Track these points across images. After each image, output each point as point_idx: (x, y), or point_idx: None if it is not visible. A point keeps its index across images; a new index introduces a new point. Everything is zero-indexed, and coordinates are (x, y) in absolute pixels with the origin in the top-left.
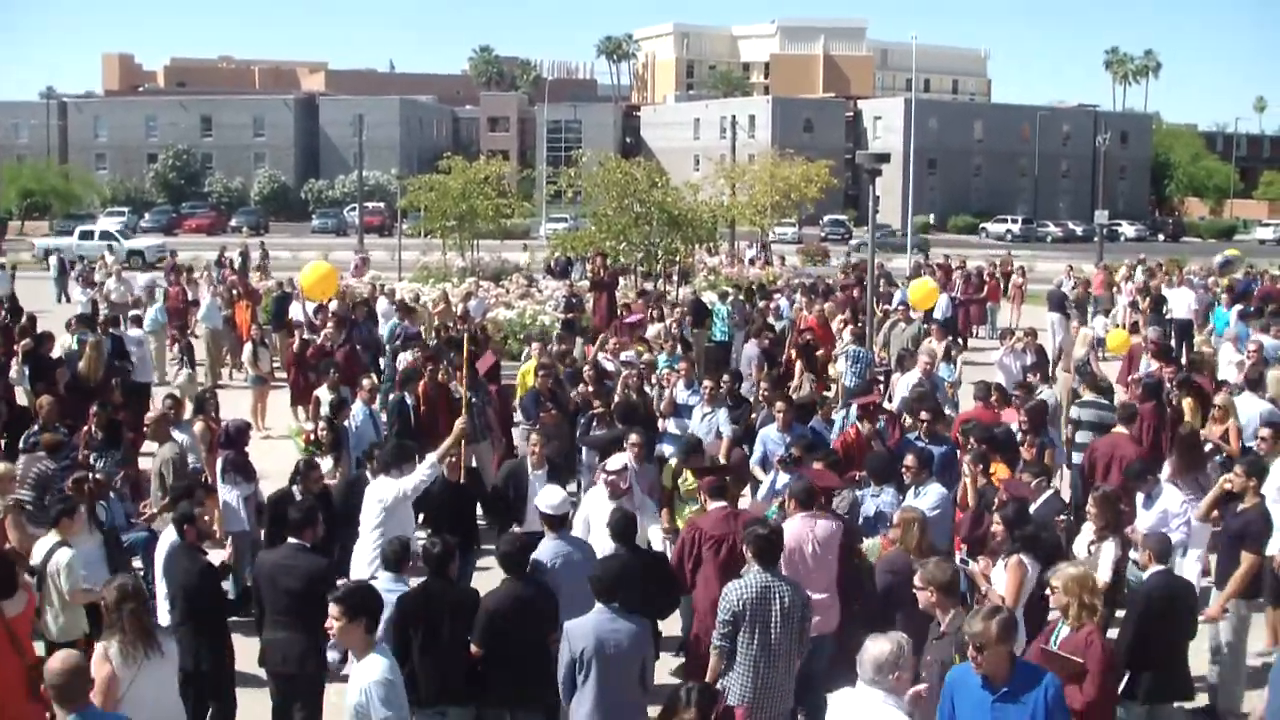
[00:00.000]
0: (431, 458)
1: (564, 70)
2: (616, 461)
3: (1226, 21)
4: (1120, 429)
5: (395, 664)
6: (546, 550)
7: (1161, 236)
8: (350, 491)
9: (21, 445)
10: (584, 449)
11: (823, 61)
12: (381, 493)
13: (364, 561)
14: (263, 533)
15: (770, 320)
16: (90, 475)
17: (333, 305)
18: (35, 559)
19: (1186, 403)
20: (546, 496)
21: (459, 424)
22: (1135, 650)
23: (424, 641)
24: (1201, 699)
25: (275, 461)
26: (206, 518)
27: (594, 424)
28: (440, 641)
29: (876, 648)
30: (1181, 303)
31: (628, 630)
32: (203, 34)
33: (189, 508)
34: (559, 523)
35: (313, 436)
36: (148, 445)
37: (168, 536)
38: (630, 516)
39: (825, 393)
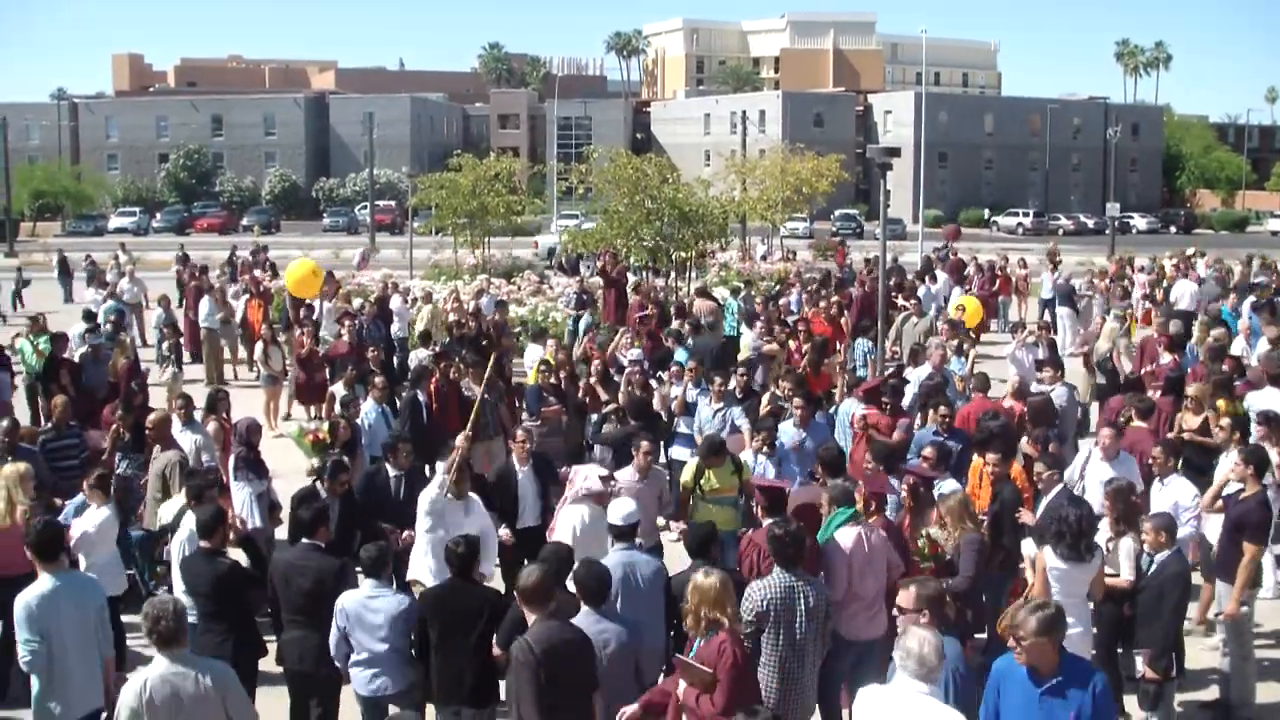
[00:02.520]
0: (440, 473)
1: (574, 67)
2: (592, 477)
3: (1237, 12)
4: (1139, 423)
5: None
6: (612, 561)
7: (1173, 229)
8: (370, 485)
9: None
10: (595, 446)
11: (832, 56)
12: (424, 500)
13: (418, 564)
14: (276, 530)
15: (783, 316)
16: (112, 475)
17: (356, 303)
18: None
19: (1221, 404)
20: (616, 509)
21: (461, 440)
22: (1172, 632)
23: (440, 640)
24: (1213, 691)
25: (287, 460)
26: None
27: (605, 422)
28: (456, 641)
29: (923, 641)
30: (1184, 294)
31: (615, 631)
32: (212, 34)
33: (218, 512)
34: (627, 534)
35: (317, 437)
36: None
37: (179, 536)
38: (707, 531)
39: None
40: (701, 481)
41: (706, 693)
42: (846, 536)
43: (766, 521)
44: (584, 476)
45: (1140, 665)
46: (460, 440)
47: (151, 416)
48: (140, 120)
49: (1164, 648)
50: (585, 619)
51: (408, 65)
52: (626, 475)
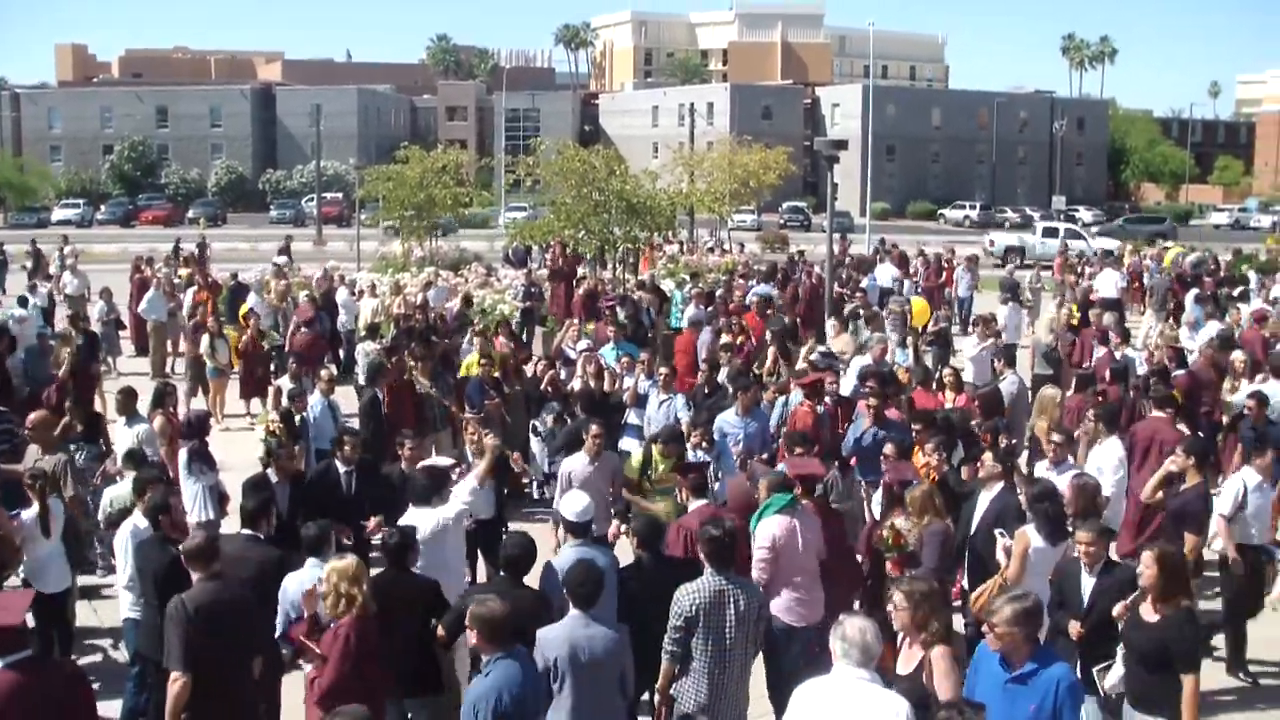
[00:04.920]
0: (471, 482)
1: (522, 59)
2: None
3: (1181, 8)
4: (1158, 412)
5: None
6: (567, 557)
7: (1118, 222)
8: (322, 480)
9: None
10: (534, 436)
11: (781, 48)
12: (418, 526)
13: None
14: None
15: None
16: (43, 476)
17: (302, 295)
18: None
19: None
20: (570, 502)
21: (491, 443)
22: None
23: (381, 632)
24: None
25: (234, 453)
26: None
27: (551, 414)
28: (395, 632)
29: (859, 628)
30: (1108, 283)
31: (603, 636)
32: (157, 24)
33: (162, 498)
34: (582, 530)
35: (269, 428)
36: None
37: (127, 526)
38: (656, 523)
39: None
40: (649, 472)
41: (319, 675)
42: (776, 524)
43: (693, 505)
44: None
45: (1109, 680)
46: (490, 444)
47: (32, 417)
48: (84, 111)
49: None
50: (572, 622)
51: (355, 57)
52: (578, 462)
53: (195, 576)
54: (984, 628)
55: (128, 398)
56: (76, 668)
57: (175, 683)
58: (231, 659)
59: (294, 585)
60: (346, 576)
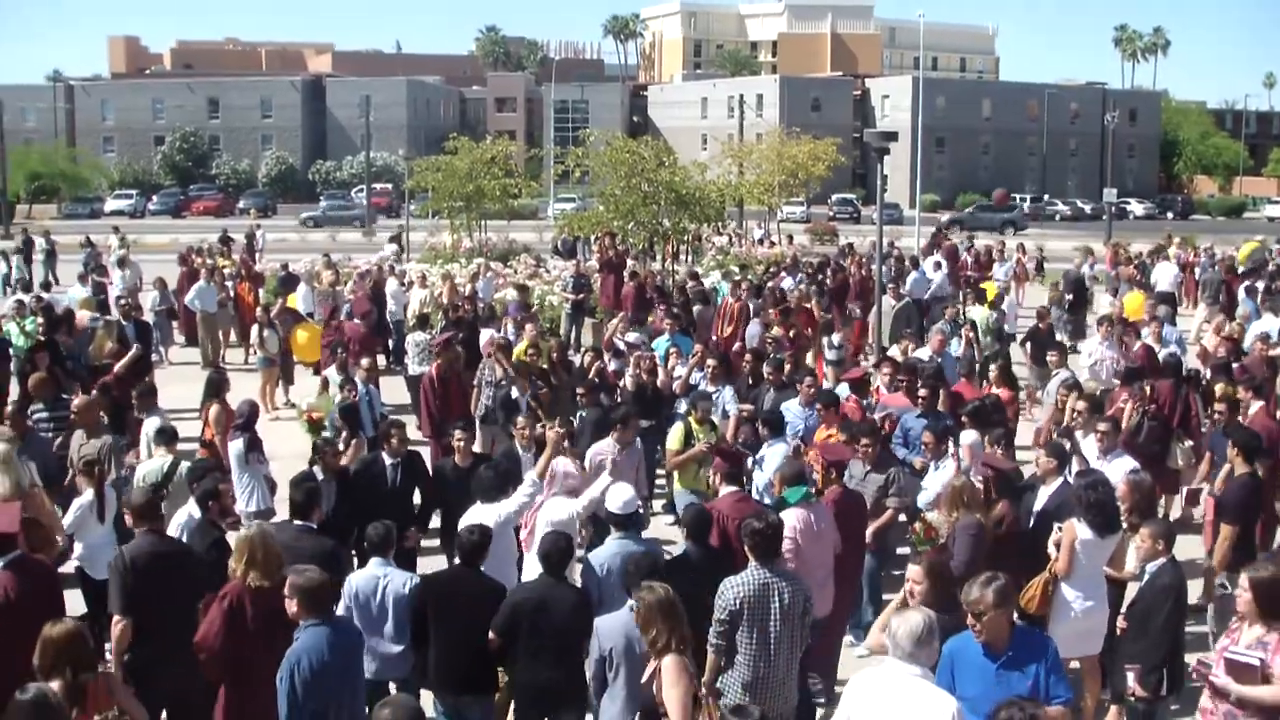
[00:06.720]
0: (531, 475)
1: (571, 50)
2: (564, 463)
3: None
4: (1257, 402)
5: None
6: (609, 550)
7: (1170, 214)
8: (368, 473)
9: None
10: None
11: (830, 40)
12: (480, 521)
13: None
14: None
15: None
16: (98, 462)
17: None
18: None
19: (1219, 388)
20: (615, 495)
21: (553, 434)
22: (1163, 648)
23: (441, 628)
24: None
25: (281, 443)
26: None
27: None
28: (457, 629)
29: (911, 623)
30: (1165, 276)
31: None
32: (208, 16)
33: (213, 484)
34: (626, 522)
35: (313, 417)
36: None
37: (180, 516)
38: (704, 515)
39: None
40: (693, 442)
41: None
42: (795, 516)
43: (724, 490)
44: (564, 472)
45: (1130, 681)
46: (552, 435)
47: (76, 403)
48: (136, 103)
49: (1154, 664)
50: (629, 614)
51: (404, 48)
52: (606, 446)
53: (136, 530)
54: (967, 620)
55: (146, 393)
56: (52, 568)
57: (117, 625)
58: (171, 606)
59: (360, 580)
60: (234, 552)
